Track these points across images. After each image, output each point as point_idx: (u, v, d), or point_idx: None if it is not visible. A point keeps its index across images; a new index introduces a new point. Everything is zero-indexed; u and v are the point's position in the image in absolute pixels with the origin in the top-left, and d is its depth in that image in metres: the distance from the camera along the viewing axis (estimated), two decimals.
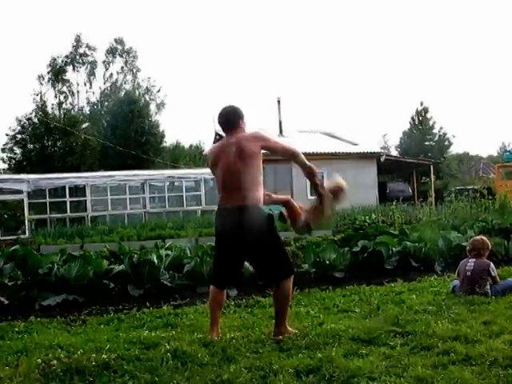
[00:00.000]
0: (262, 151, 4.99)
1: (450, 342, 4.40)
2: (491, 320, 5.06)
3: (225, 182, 4.98)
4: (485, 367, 3.79)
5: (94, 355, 4.31)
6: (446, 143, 52.42)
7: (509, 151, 37.44)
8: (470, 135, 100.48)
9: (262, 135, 5.04)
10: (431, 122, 52.11)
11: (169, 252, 8.43)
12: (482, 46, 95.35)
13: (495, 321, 5.03)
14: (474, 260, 6.50)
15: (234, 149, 4.91)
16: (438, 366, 3.88)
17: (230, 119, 5.18)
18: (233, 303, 6.59)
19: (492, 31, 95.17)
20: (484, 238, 6.95)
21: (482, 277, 6.37)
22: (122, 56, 49.24)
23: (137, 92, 47.24)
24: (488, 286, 6.34)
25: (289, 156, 5.28)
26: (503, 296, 6.15)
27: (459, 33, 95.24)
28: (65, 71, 47.99)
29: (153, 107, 47.32)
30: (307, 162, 5.22)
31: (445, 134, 52.02)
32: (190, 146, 51.41)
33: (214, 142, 36.10)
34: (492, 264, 6.53)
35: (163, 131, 42.78)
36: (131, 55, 49.36)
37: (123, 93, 45.60)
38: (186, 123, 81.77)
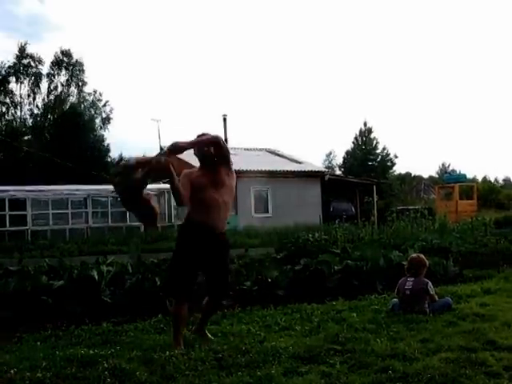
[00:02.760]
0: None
1: (389, 359, 4.46)
2: (429, 338, 5.16)
3: None
4: None
5: (28, 374, 4.21)
6: (389, 163, 53.48)
7: (449, 173, 38.49)
8: (412, 156, 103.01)
9: None
10: (374, 142, 53.15)
11: (110, 268, 8.29)
12: (423, 69, 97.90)
13: (432, 339, 5.12)
14: (413, 279, 6.62)
15: None
16: (375, 383, 3.91)
17: None
18: None
19: (432, 53, 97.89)
20: (421, 255, 7.10)
21: (421, 295, 6.49)
22: (67, 69, 48.40)
23: (82, 105, 46.57)
24: (426, 305, 6.47)
25: None
26: (441, 314, 6.28)
27: (401, 54, 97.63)
28: (8, 82, 46.89)
29: (98, 121, 46.71)
30: None
31: (388, 155, 53.10)
32: None
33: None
34: (430, 283, 6.66)
35: (108, 145, 42.36)
36: (77, 68, 48.59)
37: (68, 106, 44.89)
38: (131, 138, 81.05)
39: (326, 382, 4.00)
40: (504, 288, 8.07)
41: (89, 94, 48.82)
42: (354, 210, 32.27)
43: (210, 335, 5.59)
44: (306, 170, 31.60)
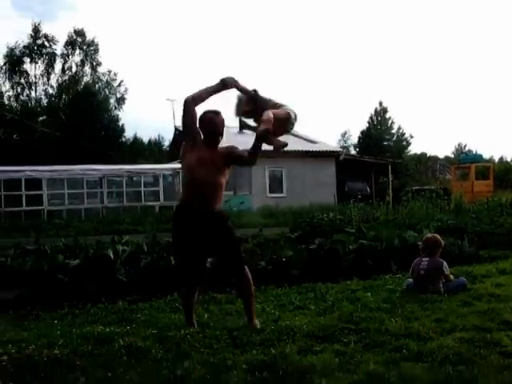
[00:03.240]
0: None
1: (403, 339, 4.47)
2: (443, 318, 5.16)
3: None
4: (435, 364, 3.86)
5: (46, 351, 4.26)
6: (404, 143, 53.20)
7: (465, 153, 38.17)
8: (428, 136, 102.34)
9: None
10: (390, 122, 52.81)
11: (125, 247, 8.34)
12: (440, 48, 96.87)
13: (447, 318, 5.12)
14: (428, 259, 6.60)
15: None
16: (390, 362, 3.93)
17: None
18: None
19: (450, 33, 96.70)
20: (436, 235, 7.07)
21: (436, 275, 6.48)
22: (82, 48, 48.39)
23: (96, 86, 46.59)
24: (441, 285, 6.45)
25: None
26: (455, 294, 6.26)
27: (418, 34, 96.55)
28: (22, 62, 46.97)
29: (113, 101, 46.73)
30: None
31: (403, 134, 52.80)
32: (149, 141, 51.02)
33: (174, 138, 36.01)
34: (445, 263, 6.64)
35: (123, 126, 42.46)
36: (92, 48, 48.56)
37: (82, 86, 44.93)
38: (146, 118, 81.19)
39: (340, 360, 4.01)
40: None
41: (103, 74, 48.91)
42: (368, 189, 32.16)
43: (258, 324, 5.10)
44: (321, 149, 31.45)
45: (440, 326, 4.86)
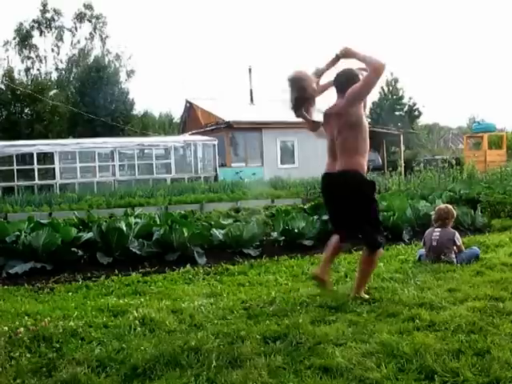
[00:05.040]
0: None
1: (416, 308, 4.46)
2: (456, 287, 5.15)
3: None
4: (448, 333, 3.86)
5: (61, 323, 4.31)
6: (416, 113, 52.68)
7: (478, 122, 37.73)
8: (440, 107, 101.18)
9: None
10: (401, 92, 52.27)
11: (138, 220, 8.40)
12: (452, 19, 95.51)
13: (459, 288, 5.11)
14: (440, 229, 6.58)
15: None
16: (403, 332, 3.93)
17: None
18: (202, 271, 6.61)
19: (462, 6, 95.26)
20: (449, 206, 7.02)
21: (448, 246, 6.46)
22: (90, 22, 48.15)
23: (106, 59, 46.37)
24: (453, 255, 6.44)
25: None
26: (468, 264, 6.25)
27: (430, 6, 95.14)
28: (32, 36, 46.78)
29: (123, 74, 46.54)
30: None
31: (415, 104, 52.21)
32: (160, 114, 50.94)
33: (185, 110, 35.96)
34: (457, 233, 6.62)
35: (133, 99, 42.31)
36: (100, 21, 48.29)
37: (92, 59, 44.75)
38: (156, 91, 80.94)
39: (353, 330, 4.02)
40: None
41: (112, 46, 48.73)
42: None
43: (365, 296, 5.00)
44: None
45: (453, 296, 4.85)
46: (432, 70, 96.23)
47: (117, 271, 6.68)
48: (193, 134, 30.55)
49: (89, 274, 6.65)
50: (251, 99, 34.48)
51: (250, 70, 34.49)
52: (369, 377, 3.23)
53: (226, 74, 79.98)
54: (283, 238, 8.10)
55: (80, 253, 7.18)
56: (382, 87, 52.17)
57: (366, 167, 5.07)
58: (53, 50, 47.82)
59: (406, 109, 51.96)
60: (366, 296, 4.93)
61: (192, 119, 34.43)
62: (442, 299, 4.72)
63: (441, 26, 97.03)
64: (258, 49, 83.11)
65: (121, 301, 5.16)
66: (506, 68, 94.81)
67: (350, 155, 4.97)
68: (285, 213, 9.40)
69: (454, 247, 6.50)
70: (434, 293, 4.97)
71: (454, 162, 19.32)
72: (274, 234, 8.34)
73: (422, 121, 54.23)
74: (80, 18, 47.92)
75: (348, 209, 5.03)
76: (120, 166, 25.25)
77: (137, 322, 4.31)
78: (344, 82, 5.15)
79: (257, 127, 28.95)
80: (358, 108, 5.02)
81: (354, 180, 4.94)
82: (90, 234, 7.57)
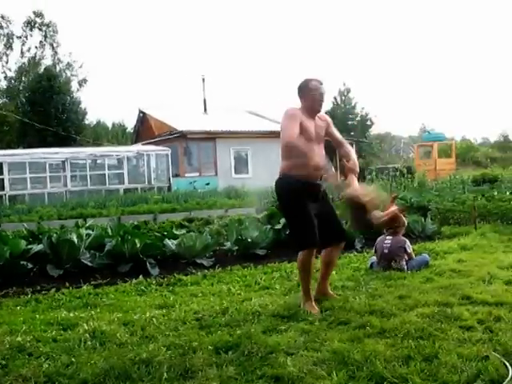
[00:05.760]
0: None
1: (367, 316, 4.52)
2: (406, 294, 5.22)
3: None
4: (398, 339, 3.91)
5: (7, 338, 4.22)
6: (369, 123, 53.47)
7: (428, 131, 38.51)
8: (392, 116, 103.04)
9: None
10: (353, 102, 53.00)
11: (90, 231, 8.27)
12: (402, 30, 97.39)
13: (410, 295, 5.19)
14: (391, 237, 6.69)
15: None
16: (354, 339, 3.97)
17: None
18: (154, 282, 6.54)
19: (413, 15, 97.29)
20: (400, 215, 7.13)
21: (399, 253, 6.57)
22: (41, 29, 47.35)
23: (57, 67, 45.75)
24: (404, 262, 6.55)
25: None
26: (418, 271, 6.37)
27: (381, 18, 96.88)
28: None
29: (74, 83, 45.97)
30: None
31: (367, 114, 53.02)
32: (113, 123, 50.43)
33: (138, 120, 35.71)
34: (408, 241, 6.75)
35: (85, 108, 41.91)
36: (51, 29, 47.53)
37: (43, 68, 44.03)
38: (108, 100, 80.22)
39: (305, 338, 4.04)
40: (480, 244, 8.19)
41: (64, 55, 47.99)
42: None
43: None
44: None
45: (403, 303, 4.93)
46: (384, 81, 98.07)
47: (68, 284, 6.55)
48: (146, 143, 30.35)
49: (38, 287, 6.49)
50: (205, 109, 34.50)
51: (203, 79, 34.56)
52: None
53: (179, 84, 79.81)
54: (236, 247, 8.09)
55: (29, 265, 7.02)
56: (334, 97, 52.87)
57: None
58: (1, 59, 46.90)
59: (358, 118, 52.70)
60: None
61: (145, 129, 34.21)
62: (393, 306, 4.78)
63: (392, 36, 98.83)
64: (211, 58, 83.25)
65: (71, 314, 5.06)
66: (455, 79, 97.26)
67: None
68: (238, 222, 9.41)
69: (405, 254, 6.61)
70: (385, 300, 5.04)
71: (405, 170, 19.67)
72: (228, 244, 8.33)
73: (375, 130, 55.10)
74: (30, 25, 47.10)
75: None
76: (72, 176, 24.93)
77: (87, 335, 4.25)
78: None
79: (210, 137, 28.96)
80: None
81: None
82: (40, 246, 7.41)
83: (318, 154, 5.29)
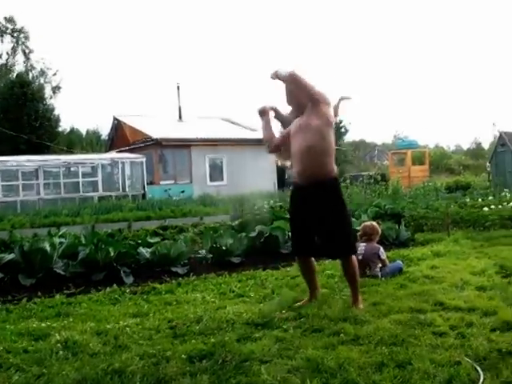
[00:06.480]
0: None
1: (341, 323, 4.53)
2: (380, 301, 5.25)
3: None
4: (372, 346, 3.93)
5: None
6: (343, 130, 53.74)
7: (402, 139, 38.88)
8: (366, 123, 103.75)
9: None
10: None
11: (63, 239, 8.20)
12: (374, 37, 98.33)
13: (383, 301, 5.22)
14: (365, 244, 6.73)
15: None
16: (328, 346, 3.98)
17: None
18: (128, 290, 6.48)
19: (385, 21, 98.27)
20: (374, 223, 7.20)
21: (373, 260, 6.61)
22: (12, 36, 46.83)
23: (30, 74, 45.29)
24: (378, 269, 6.59)
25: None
26: (392, 278, 6.41)
27: (352, 22, 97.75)
28: None
29: (48, 90, 45.52)
30: None
31: (341, 121, 53.26)
32: (87, 131, 50.05)
33: (112, 127, 35.50)
34: (381, 248, 6.79)
35: (59, 115, 41.46)
36: (23, 35, 47.03)
37: (15, 75, 43.55)
38: (83, 108, 79.63)
39: (279, 346, 4.04)
40: (453, 251, 8.27)
41: (36, 61, 47.50)
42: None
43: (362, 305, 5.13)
44: (261, 137, 31.55)
45: (377, 309, 4.96)
46: (358, 87, 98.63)
47: (40, 293, 6.45)
48: (120, 151, 30.19)
49: (9, 297, 6.40)
50: (180, 116, 34.43)
51: (178, 87, 34.50)
52: None
53: (154, 91, 79.57)
54: (211, 255, 8.07)
55: (0, 275, 6.93)
56: None
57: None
58: None
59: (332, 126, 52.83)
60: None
61: (120, 136, 34.02)
62: (367, 313, 4.81)
63: (365, 43, 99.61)
64: (185, 66, 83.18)
65: (43, 324, 4.99)
66: (429, 87, 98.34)
67: None
68: (213, 230, 9.39)
69: (379, 261, 6.65)
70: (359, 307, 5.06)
71: (379, 177, 19.83)
72: (202, 252, 8.31)
73: (349, 137, 55.39)
74: (1, 31, 46.55)
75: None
76: (45, 184, 24.69)
77: (59, 345, 4.19)
78: None
79: (185, 144, 28.91)
80: None
81: None
82: (12, 255, 7.32)
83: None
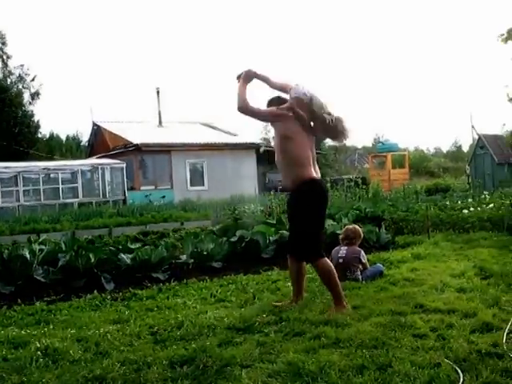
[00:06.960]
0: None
1: (322, 326, 4.54)
2: (361, 304, 5.28)
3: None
4: (353, 349, 3.94)
5: None
6: None
7: (382, 142, 39.06)
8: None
9: None
10: None
11: (43, 246, 8.13)
12: (355, 39, 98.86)
13: (364, 304, 5.24)
14: (346, 248, 6.76)
15: None
16: (309, 350, 3.99)
17: None
18: (109, 297, 6.46)
19: (363, 24, 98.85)
20: (356, 227, 7.23)
21: (353, 263, 6.64)
22: None
23: (8, 80, 44.86)
24: (358, 272, 6.62)
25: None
26: (372, 281, 6.44)
27: (330, 26, 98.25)
28: None
29: (26, 96, 45.07)
30: None
31: None
32: (67, 136, 49.70)
33: (92, 133, 35.32)
34: (362, 251, 6.83)
35: (38, 121, 41.16)
36: (0, 40, 46.51)
37: None
38: (62, 114, 79.10)
39: (260, 350, 4.04)
40: (433, 253, 8.32)
41: (15, 67, 47.01)
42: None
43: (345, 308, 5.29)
44: (241, 142, 31.64)
45: (358, 312, 4.98)
46: (337, 91, 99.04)
47: (20, 300, 6.40)
48: (101, 157, 30.03)
49: None
50: (160, 121, 34.35)
51: (158, 91, 34.39)
52: None
53: (134, 96, 79.26)
54: (192, 260, 8.05)
55: None
56: None
57: None
58: None
59: None
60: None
61: (99, 142, 33.86)
62: (347, 316, 4.82)
63: (345, 47, 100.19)
64: (165, 70, 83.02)
65: (23, 331, 4.95)
66: (408, 89, 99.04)
67: None
68: (194, 235, 9.37)
69: (360, 265, 6.68)
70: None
71: (360, 181, 19.93)
72: (183, 257, 8.28)
73: (329, 141, 55.48)
74: None
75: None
76: (24, 190, 24.49)
77: (39, 353, 4.16)
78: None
79: (166, 149, 28.85)
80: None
81: None
82: None
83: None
